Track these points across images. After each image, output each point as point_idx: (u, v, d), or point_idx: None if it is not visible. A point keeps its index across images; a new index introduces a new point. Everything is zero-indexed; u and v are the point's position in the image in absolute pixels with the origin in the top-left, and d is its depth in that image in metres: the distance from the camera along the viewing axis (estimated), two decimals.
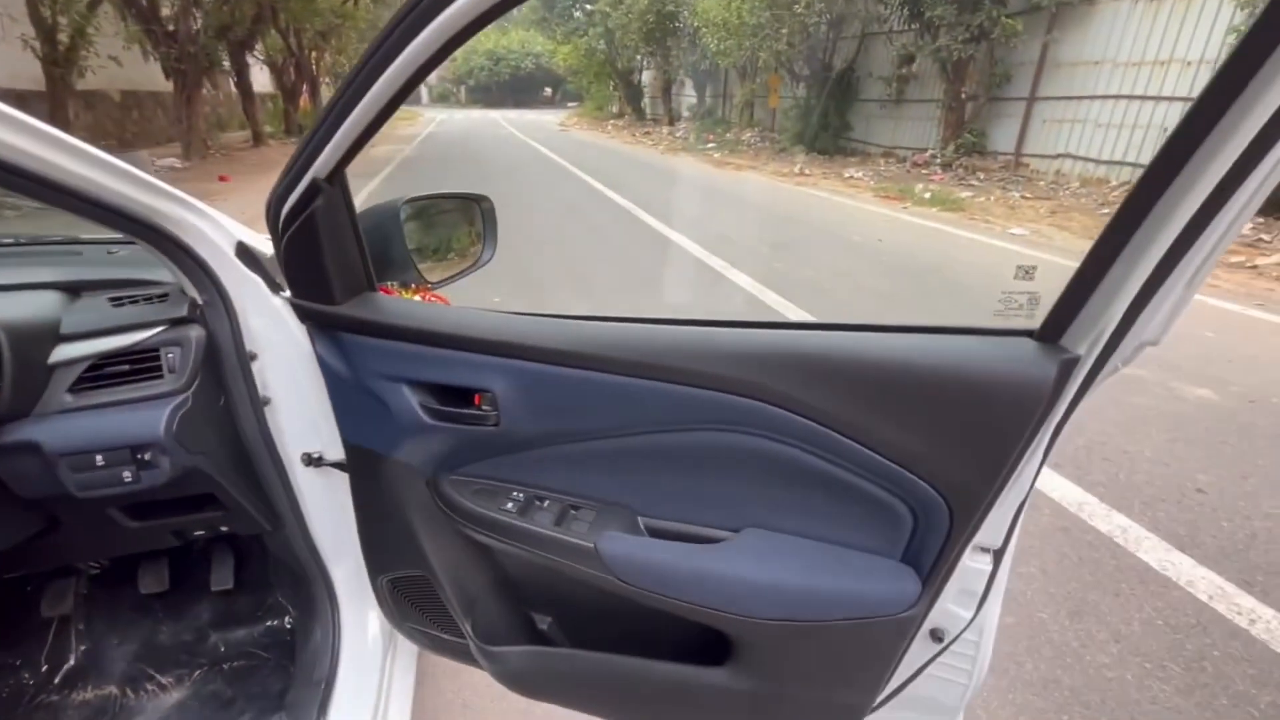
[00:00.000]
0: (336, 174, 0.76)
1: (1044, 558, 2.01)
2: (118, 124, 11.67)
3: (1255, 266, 5.33)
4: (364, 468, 0.96)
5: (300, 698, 1.11)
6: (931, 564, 0.73)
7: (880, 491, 0.72)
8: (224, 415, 1.00)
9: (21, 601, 1.31)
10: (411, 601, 1.07)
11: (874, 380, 0.68)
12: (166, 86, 10.92)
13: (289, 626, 1.34)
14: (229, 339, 0.96)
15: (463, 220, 1.28)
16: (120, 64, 9.52)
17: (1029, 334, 0.66)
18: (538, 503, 0.86)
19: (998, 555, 0.75)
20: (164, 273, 1.00)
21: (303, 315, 0.87)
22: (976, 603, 0.78)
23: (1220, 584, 1.89)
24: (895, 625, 0.73)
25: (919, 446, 0.68)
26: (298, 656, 1.18)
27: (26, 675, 1.25)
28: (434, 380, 0.85)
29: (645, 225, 7.00)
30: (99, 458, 0.89)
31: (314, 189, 0.75)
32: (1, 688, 1.22)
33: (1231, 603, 1.82)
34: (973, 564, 0.75)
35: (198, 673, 1.28)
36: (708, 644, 0.86)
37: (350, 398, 0.91)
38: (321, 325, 0.88)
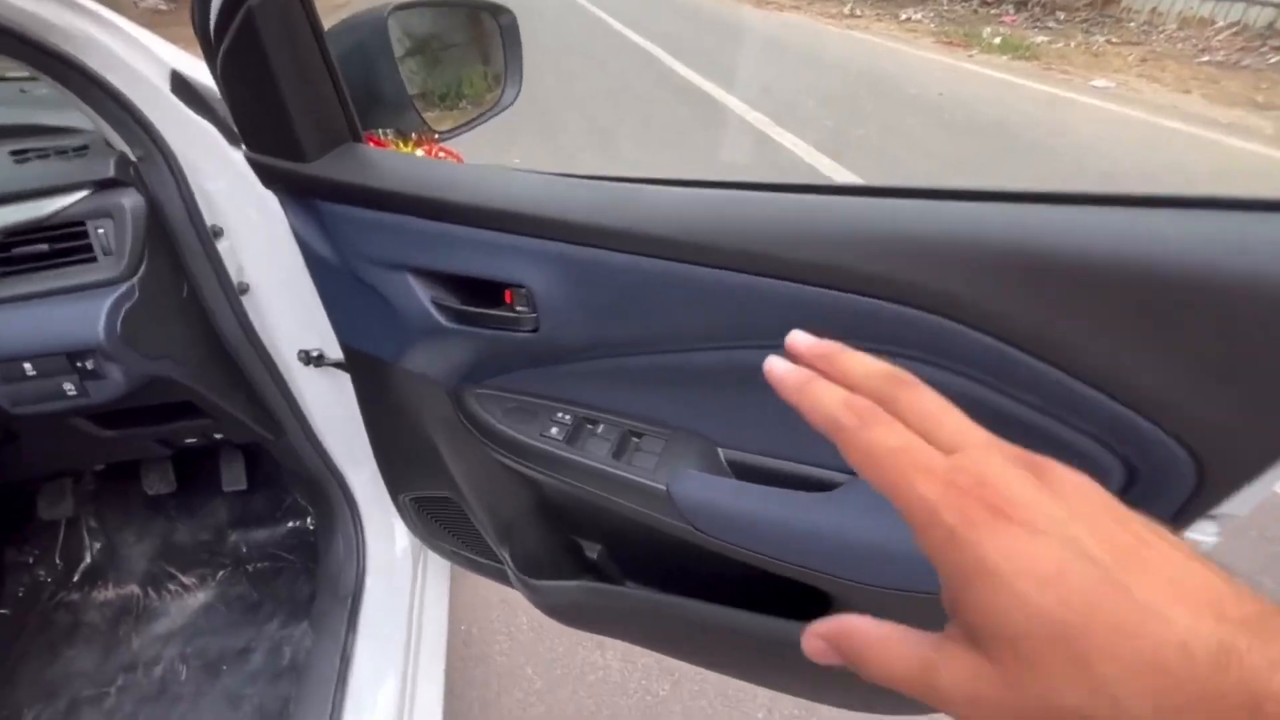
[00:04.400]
0: None
1: None
2: None
3: None
4: (369, 376, 0.77)
5: (327, 612, 1.02)
6: None
7: (1079, 438, 0.50)
8: (190, 308, 0.79)
9: (25, 504, 1.22)
10: (439, 521, 0.93)
11: (1094, 278, 0.44)
12: None
13: (312, 528, 1.24)
14: (180, 209, 0.73)
15: (474, 53, 0.99)
16: None
17: None
18: (589, 427, 0.67)
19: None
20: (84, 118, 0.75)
21: (265, 177, 0.63)
22: None
23: None
24: None
25: (1160, 380, 0.46)
26: (321, 569, 1.08)
27: (42, 573, 1.19)
28: (449, 270, 0.63)
29: (675, 75, 6.28)
30: (28, 366, 0.70)
31: None
32: (16, 586, 1.16)
33: None
34: (1193, 535, 0.55)
35: (221, 573, 1.20)
36: (798, 594, 0.71)
37: (342, 289, 0.69)
38: (292, 191, 0.64)
